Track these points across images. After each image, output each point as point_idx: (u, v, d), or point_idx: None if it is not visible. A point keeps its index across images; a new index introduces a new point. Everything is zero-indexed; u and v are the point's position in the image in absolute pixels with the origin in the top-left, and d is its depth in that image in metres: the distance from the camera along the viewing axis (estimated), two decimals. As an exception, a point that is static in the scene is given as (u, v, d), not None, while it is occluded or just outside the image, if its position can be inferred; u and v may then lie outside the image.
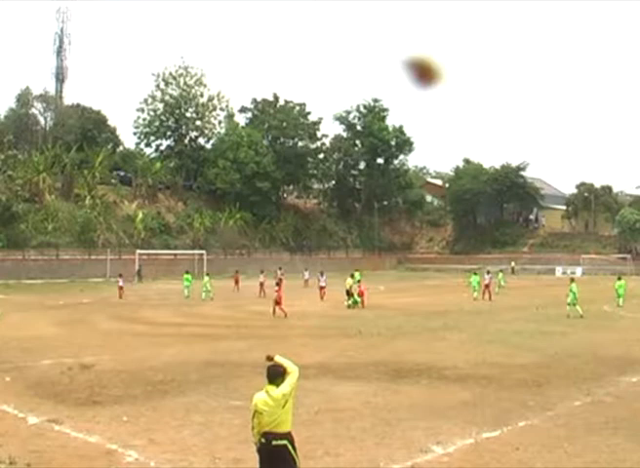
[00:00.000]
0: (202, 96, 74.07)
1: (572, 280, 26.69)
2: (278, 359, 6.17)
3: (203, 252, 57.45)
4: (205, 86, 74.08)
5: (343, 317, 25.73)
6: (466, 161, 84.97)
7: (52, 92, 69.47)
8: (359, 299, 29.52)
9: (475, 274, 36.63)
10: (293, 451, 5.97)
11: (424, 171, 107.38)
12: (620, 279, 31.06)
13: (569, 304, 25.28)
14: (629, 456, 8.41)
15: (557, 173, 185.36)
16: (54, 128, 65.60)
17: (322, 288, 33.11)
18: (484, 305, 31.20)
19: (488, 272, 36.97)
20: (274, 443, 5.91)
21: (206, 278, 34.79)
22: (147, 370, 13.97)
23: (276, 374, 6.02)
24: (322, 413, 10.32)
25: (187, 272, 37.57)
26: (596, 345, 17.92)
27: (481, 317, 25.65)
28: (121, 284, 34.73)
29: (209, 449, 8.54)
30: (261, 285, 36.24)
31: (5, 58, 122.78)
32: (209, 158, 70.43)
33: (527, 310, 27.95)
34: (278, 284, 26.37)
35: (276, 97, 76.75)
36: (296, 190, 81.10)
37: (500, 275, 42.23)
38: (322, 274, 33.76)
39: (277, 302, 25.36)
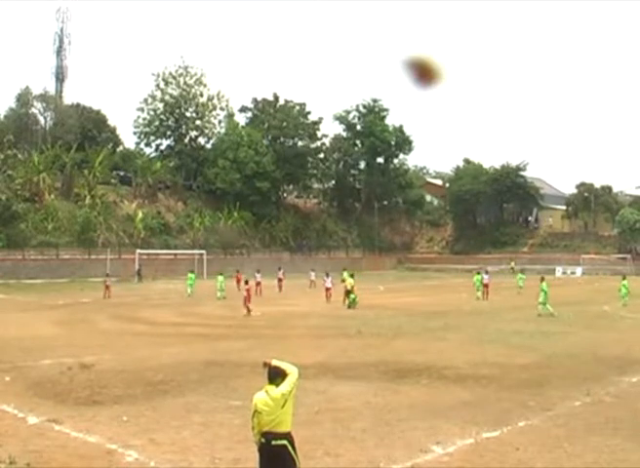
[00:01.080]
0: (202, 95, 74.08)
1: (542, 279, 26.70)
2: (275, 363, 6.12)
3: (203, 251, 57.50)
4: (205, 86, 74.13)
5: (343, 317, 25.71)
6: (466, 161, 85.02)
7: (52, 91, 69.56)
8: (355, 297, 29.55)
9: (478, 273, 36.65)
10: (292, 452, 5.95)
11: (424, 171, 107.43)
12: (624, 279, 31.21)
13: (540, 303, 25.45)
14: (629, 456, 8.41)
15: (557, 173, 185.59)
16: (54, 127, 65.51)
17: (328, 289, 33.02)
18: (484, 305, 31.20)
19: (486, 272, 36.94)
20: (274, 442, 5.90)
21: (220, 277, 34.67)
22: (147, 370, 13.95)
23: (276, 374, 6.01)
24: (322, 413, 10.31)
25: (192, 271, 38.83)
26: (596, 345, 17.90)
27: (481, 317, 25.63)
28: (108, 283, 34.91)
29: (209, 449, 8.53)
30: (258, 284, 36.73)
31: (5, 58, 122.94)
32: (209, 158, 70.42)
33: (527, 310, 27.92)
34: (247, 282, 27.23)
35: (276, 97, 76.73)
36: (296, 190, 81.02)
37: (519, 275, 41.87)
38: (327, 275, 33.67)
39: (246, 300, 25.95)
